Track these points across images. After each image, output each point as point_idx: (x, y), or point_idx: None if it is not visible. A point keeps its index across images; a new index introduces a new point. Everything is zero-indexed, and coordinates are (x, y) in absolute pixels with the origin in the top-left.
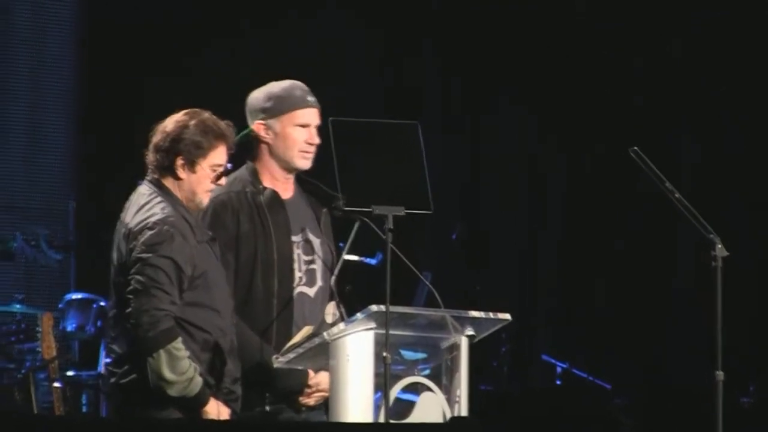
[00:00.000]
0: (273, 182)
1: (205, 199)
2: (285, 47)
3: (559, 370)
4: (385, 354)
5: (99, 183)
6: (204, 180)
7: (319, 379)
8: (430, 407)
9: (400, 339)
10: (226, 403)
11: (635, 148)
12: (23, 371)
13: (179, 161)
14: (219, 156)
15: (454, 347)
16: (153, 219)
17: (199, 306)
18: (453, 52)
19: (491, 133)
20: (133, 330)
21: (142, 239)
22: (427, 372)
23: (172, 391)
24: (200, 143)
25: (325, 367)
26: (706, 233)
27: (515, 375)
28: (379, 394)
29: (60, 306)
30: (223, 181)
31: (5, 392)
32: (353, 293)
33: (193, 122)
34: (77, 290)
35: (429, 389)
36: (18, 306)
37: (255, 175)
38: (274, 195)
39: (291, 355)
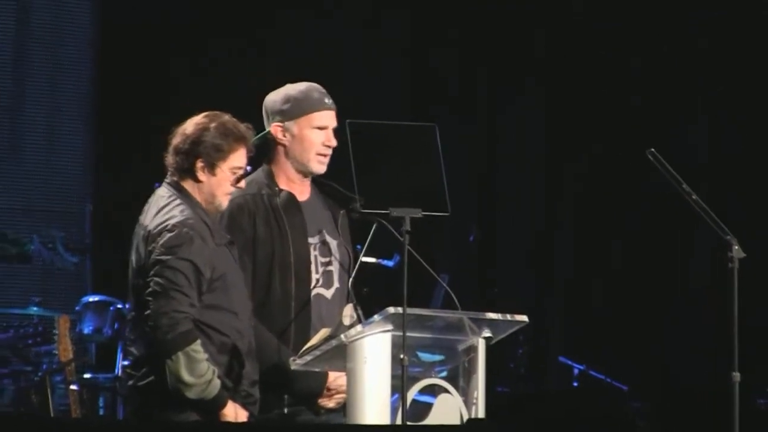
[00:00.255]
0: (289, 184)
1: (224, 201)
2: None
3: (576, 371)
4: (402, 356)
5: (115, 186)
6: (224, 183)
7: (340, 381)
8: (447, 409)
9: (418, 341)
10: (244, 405)
11: (652, 149)
12: (40, 374)
13: (199, 164)
14: (239, 158)
15: (471, 349)
16: (172, 221)
17: (217, 308)
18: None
19: (507, 133)
20: (151, 332)
21: (161, 241)
22: (444, 374)
23: (191, 394)
24: (220, 146)
25: (343, 370)
26: (723, 235)
27: (532, 377)
28: (396, 396)
29: (77, 308)
30: (242, 183)
31: (22, 395)
32: (370, 295)
33: (213, 125)
34: (94, 293)
35: (446, 391)
36: (35, 308)
37: (271, 178)
38: (291, 197)
39: (308, 358)
